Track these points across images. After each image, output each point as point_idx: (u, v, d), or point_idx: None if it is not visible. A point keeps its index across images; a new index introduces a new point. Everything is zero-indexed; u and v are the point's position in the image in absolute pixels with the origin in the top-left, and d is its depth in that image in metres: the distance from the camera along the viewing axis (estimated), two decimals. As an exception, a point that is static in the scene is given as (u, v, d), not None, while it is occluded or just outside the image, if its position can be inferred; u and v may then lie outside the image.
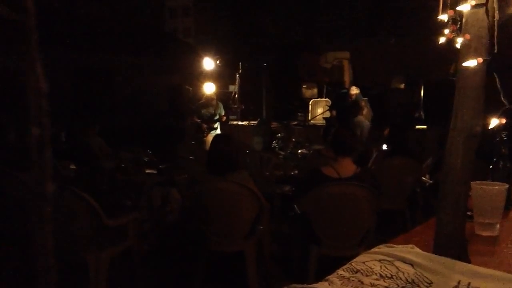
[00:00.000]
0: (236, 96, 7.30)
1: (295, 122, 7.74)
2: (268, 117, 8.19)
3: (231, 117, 7.80)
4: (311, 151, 5.09)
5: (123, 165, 3.75)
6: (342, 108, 6.69)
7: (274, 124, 7.66)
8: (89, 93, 8.51)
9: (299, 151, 5.35)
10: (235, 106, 7.33)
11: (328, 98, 8.18)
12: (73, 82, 8.33)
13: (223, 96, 7.61)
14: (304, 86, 9.43)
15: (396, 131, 3.85)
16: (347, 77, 9.00)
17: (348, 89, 6.98)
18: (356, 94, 6.89)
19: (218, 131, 6.68)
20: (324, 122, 7.04)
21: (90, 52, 8.54)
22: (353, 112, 5.82)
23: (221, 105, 6.74)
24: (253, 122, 8.01)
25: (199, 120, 6.61)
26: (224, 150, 2.56)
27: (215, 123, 6.65)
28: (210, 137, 6.35)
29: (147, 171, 3.89)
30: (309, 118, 7.98)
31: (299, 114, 8.37)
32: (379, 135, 5.02)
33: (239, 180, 2.52)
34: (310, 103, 8.36)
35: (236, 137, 6.37)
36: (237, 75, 7.58)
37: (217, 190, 2.50)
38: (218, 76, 7.77)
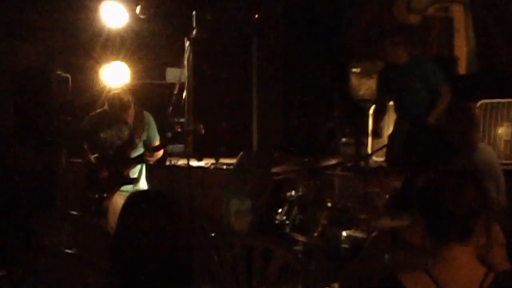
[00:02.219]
0: (184, 96, 7.23)
1: (334, 161, 7.71)
2: (265, 150, 8.47)
3: (172, 148, 7.96)
4: (375, 234, 5.34)
5: None
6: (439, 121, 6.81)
7: (280, 167, 7.60)
8: None
9: (344, 233, 5.64)
10: (181, 121, 7.46)
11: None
12: None
13: (151, 95, 7.74)
14: (355, 70, 9.44)
15: None
16: (460, 46, 9.00)
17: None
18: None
19: (142, 184, 6.93)
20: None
21: None
22: (459, 127, 5.78)
23: (150, 120, 7.09)
24: (228, 163, 8.20)
25: (92, 158, 6.93)
26: (152, 237, 2.64)
27: (136, 163, 6.88)
28: (120, 200, 6.39)
29: None
30: (369, 150, 8.18)
31: (344, 140, 8.46)
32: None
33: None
34: (371, 112, 8.40)
35: (186, 201, 6.62)
36: (187, 45, 7.56)
37: None
38: (139, 48, 8.03)
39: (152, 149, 6.68)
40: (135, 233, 2.64)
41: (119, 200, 6.51)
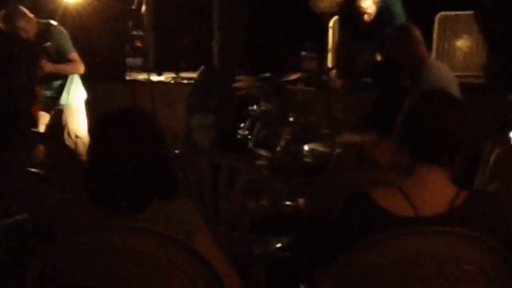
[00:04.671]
0: (143, 8, 7.15)
1: (296, 76, 7.84)
2: (226, 65, 8.43)
3: (131, 61, 8.03)
4: (338, 148, 5.34)
5: None
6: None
7: (243, 82, 7.72)
8: None
9: (306, 147, 5.64)
10: (141, 35, 7.38)
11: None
12: None
13: (109, 9, 7.44)
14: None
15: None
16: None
17: None
18: None
19: (71, 99, 6.85)
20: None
21: None
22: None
23: (56, 31, 6.77)
24: (189, 77, 8.15)
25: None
26: (133, 148, 2.66)
27: (48, 80, 6.73)
28: (45, 116, 6.64)
29: None
30: (330, 64, 8.10)
31: (304, 54, 8.35)
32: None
33: (172, 226, 2.64)
34: (331, 25, 8.44)
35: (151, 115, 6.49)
36: None
37: (118, 251, 2.55)
38: None
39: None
40: (114, 146, 2.65)
41: (44, 117, 6.61)
